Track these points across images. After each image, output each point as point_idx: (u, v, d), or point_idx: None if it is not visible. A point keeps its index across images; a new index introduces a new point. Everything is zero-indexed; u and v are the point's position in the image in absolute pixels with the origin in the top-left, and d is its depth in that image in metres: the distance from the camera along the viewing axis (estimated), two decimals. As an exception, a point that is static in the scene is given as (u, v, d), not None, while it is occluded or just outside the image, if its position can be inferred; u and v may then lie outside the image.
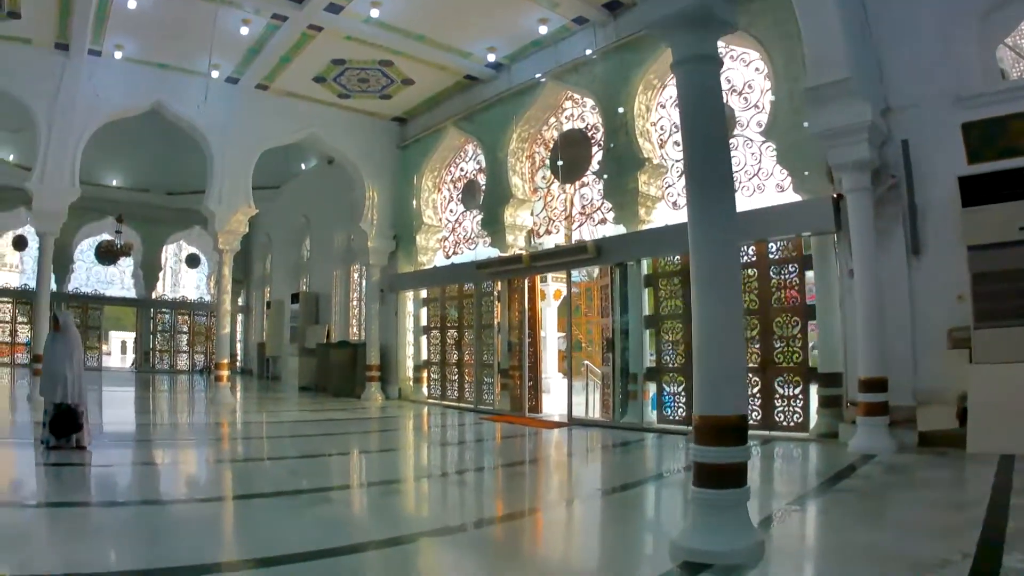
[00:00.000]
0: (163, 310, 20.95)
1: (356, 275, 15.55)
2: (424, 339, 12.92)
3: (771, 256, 7.55)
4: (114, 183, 18.55)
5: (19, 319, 18.44)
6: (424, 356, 12.87)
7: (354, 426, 9.38)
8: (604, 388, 9.43)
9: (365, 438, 8.47)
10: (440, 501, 5.11)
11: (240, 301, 21.75)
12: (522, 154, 11.36)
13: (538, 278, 11.12)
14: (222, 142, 11.47)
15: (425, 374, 12.81)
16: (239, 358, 21.86)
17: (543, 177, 11.35)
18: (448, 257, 12.77)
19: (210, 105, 11.26)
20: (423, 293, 13.04)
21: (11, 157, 16.70)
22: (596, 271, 9.92)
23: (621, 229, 9.23)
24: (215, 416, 9.97)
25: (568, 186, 10.47)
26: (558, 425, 9.24)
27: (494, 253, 11.26)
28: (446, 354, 12.28)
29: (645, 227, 8.94)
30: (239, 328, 21.93)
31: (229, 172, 11.51)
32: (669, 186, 9.04)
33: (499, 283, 11.04)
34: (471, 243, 12.26)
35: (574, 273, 10.48)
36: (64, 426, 5.74)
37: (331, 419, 10.03)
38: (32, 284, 18.61)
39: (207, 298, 21.43)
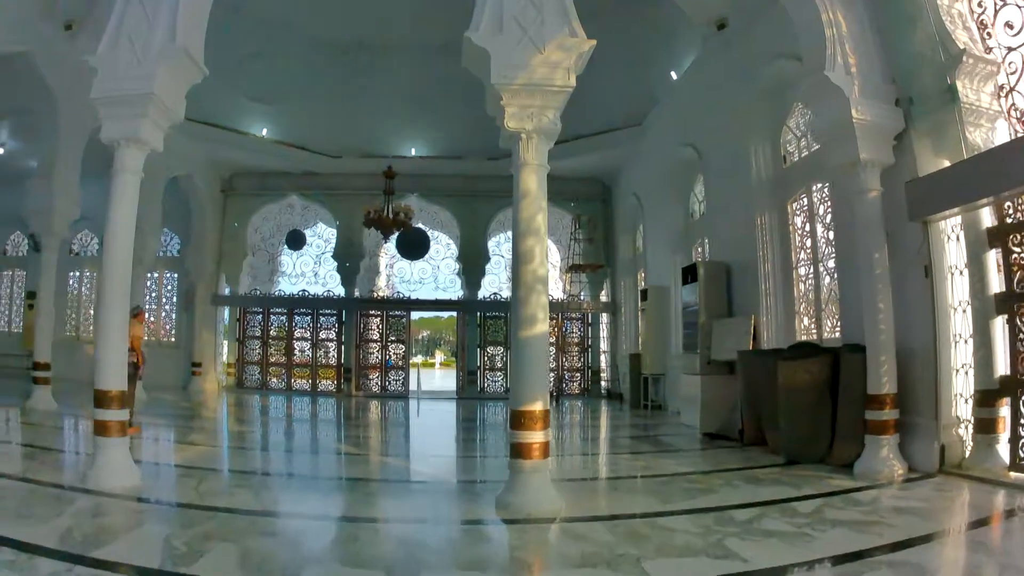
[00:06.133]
0: (492, 313, 15.57)
1: (799, 217, 8.29)
2: (999, 325, 5.26)
3: None
4: (412, 152, 15.09)
5: (322, 334, 15.61)
6: (1001, 369, 5.23)
7: None
8: None
9: None
10: None
11: (604, 296, 16.27)
12: None
13: None
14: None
15: (1005, 411, 5.14)
16: (604, 377, 16.14)
17: None
18: (1018, 131, 5.04)
19: None
20: (984, 217, 5.40)
21: (264, 132, 14.17)
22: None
23: None
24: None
25: None
26: None
27: None
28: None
29: None
30: (603, 334, 16.43)
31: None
32: None
33: None
34: None
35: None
36: None
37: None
38: (312, 290, 15.61)
39: (560, 295, 16.79)
